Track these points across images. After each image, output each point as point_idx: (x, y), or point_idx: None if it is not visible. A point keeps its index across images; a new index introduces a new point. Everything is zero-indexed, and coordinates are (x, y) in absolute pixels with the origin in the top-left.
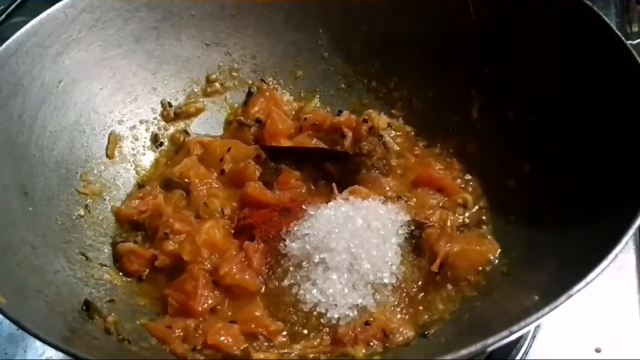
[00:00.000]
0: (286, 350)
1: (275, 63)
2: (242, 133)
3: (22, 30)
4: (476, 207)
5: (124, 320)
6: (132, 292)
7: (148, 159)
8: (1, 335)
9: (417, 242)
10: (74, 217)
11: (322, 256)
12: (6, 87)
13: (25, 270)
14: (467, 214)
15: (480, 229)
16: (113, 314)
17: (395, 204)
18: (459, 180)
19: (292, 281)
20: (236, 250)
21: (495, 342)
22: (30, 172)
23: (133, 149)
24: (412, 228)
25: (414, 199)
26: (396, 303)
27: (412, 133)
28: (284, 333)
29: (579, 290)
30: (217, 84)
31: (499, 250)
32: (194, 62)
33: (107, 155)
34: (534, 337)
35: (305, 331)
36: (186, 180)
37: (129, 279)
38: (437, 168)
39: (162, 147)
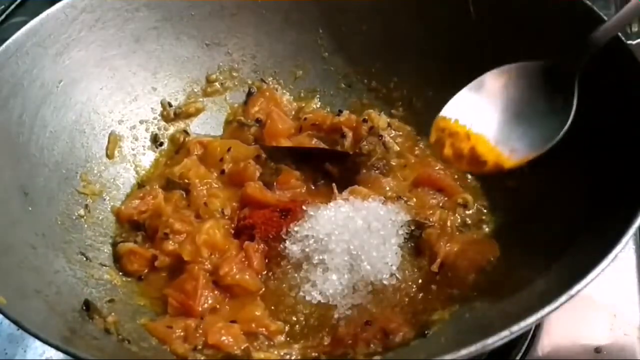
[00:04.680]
0: (286, 350)
1: (275, 63)
2: (242, 133)
3: (22, 30)
4: (476, 207)
5: (124, 320)
6: (132, 292)
7: (148, 159)
8: (1, 335)
9: (417, 242)
10: (74, 217)
11: (322, 257)
12: (6, 87)
13: (25, 270)
14: (467, 214)
15: (480, 229)
16: (113, 314)
17: (395, 204)
18: (459, 180)
19: (292, 282)
20: (236, 250)
21: (495, 342)
22: (30, 172)
23: (133, 149)
24: (412, 228)
25: (414, 199)
26: (396, 303)
27: (412, 133)
28: (284, 333)
29: (579, 291)
30: (217, 84)
31: (499, 250)
32: (194, 62)
33: (107, 155)
34: (534, 337)
35: (305, 331)
36: (186, 180)
37: (129, 279)
38: (437, 168)
39: (162, 147)
